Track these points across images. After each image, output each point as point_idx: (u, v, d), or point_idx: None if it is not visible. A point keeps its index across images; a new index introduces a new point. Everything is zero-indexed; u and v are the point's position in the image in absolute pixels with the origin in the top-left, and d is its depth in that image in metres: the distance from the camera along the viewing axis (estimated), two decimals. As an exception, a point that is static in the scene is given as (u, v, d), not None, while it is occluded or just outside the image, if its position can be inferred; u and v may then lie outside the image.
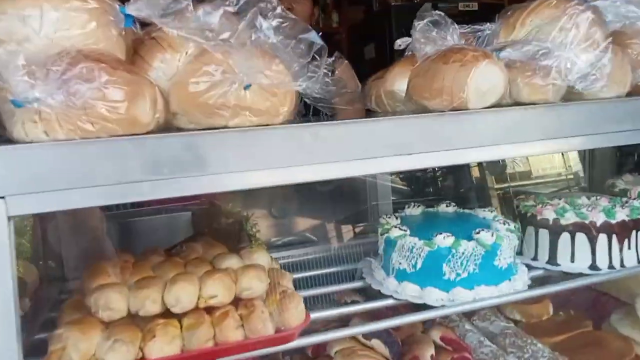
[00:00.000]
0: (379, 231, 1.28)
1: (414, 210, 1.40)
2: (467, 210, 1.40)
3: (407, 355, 1.24)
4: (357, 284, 1.30)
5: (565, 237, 1.27)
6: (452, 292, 1.12)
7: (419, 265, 1.15)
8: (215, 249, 1.16)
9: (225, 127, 0.83)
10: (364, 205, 1.84)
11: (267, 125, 0.84)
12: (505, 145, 0.94)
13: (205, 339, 0.85)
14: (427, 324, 1.37)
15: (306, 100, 0.94)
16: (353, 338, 1.23)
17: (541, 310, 1.59)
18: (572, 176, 2.81)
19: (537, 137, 0.97)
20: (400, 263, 1.18)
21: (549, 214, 1.31)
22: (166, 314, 0.90)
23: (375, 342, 1.22)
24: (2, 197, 0.70)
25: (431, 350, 1.25)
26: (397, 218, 1.32)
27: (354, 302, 1.31)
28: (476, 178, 2.45)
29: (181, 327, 0.88)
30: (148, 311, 0.86)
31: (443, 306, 1.11)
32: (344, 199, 1.95)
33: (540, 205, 1.35)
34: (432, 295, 1.12)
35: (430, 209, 1.42)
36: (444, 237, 1.13)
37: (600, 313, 1.61)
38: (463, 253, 1.12)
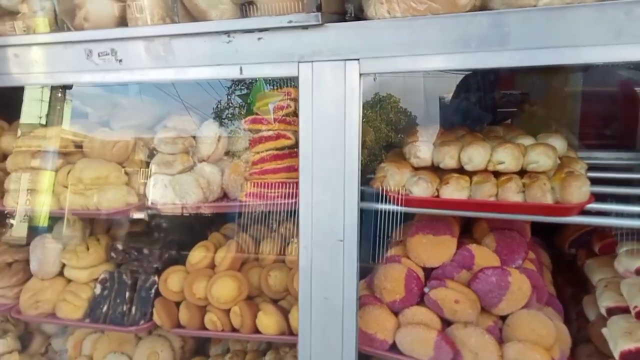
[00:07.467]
0: None
1: None
2: None
3: None
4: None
5: None
6: None
7: None
8: (515, 132, 1.26)
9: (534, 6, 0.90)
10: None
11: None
12: None
13: (488, 194, 1.01)
14: None
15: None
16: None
17: None
18: None
19: None
20: None
21: None
22: (460, 171, 1.10)
23: (678, 254, 1.12)
24: (357, 60, 1.00)
25: None
26: None
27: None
28: None
29: (470, 183, 1.06)
30: (446, 164, 1.08)
31: None
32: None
33: None
34: None
35: None
36: None
37: None
38: None
